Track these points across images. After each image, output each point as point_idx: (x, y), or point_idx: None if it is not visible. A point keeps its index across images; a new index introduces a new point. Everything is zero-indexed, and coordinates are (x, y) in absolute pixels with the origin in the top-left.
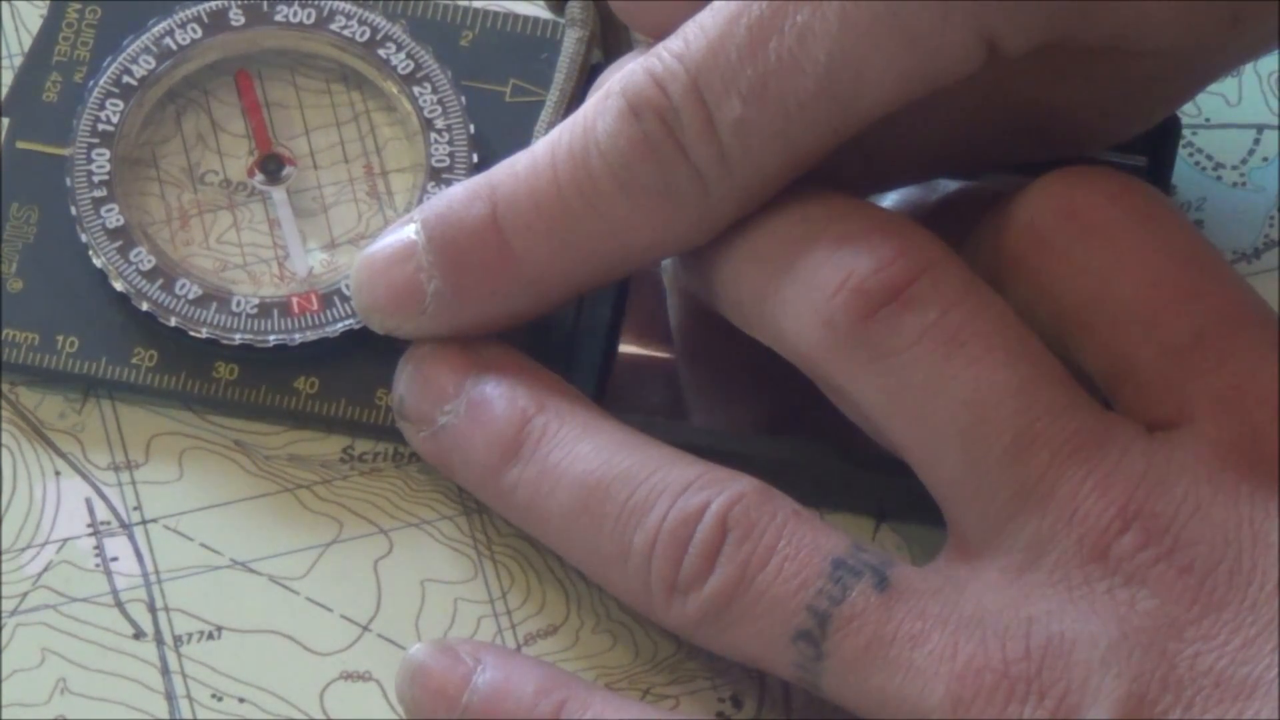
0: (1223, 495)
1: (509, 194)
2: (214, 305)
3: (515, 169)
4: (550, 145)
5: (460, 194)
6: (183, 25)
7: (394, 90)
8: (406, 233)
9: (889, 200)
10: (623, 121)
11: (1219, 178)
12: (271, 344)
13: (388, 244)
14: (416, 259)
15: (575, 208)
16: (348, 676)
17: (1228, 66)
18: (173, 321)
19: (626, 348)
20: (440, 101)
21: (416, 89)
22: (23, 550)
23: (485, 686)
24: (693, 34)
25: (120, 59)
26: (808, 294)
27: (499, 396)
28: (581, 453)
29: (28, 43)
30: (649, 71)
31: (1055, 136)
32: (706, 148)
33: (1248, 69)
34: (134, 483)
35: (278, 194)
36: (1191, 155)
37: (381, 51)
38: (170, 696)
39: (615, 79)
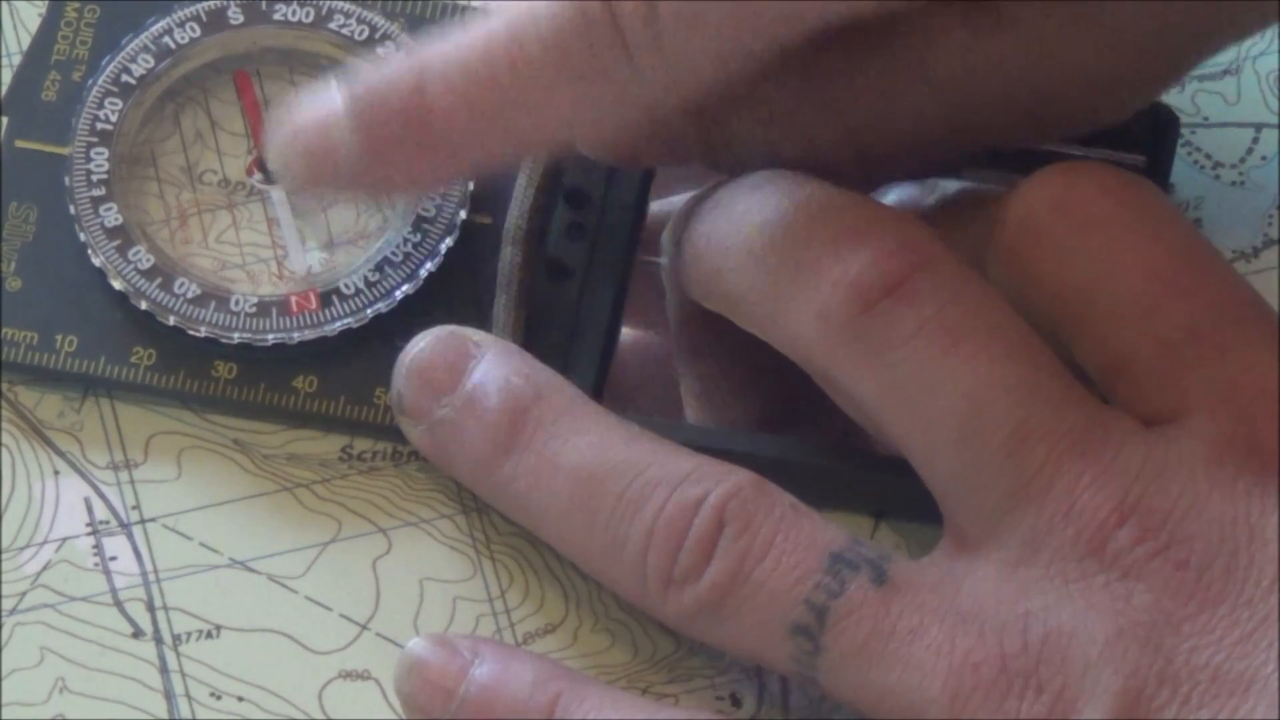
0: (1220, 490)
1: (438, 58)
2: (212, 304)
3: (449, 37)
4: (488, 21)
5: (391, 61)
6: (181, 24)
7: None
8: (329, 91)
9: (889, 200)
10: (564, 1)
11: (1217, 177)
12: (270, 343)
13: (309, 102)
14: (335, 116)
15: (501, 77)
16: (346, 675)
17: (1222, 36)
18: (171, 320)
19: (625, 345)
20: None
21: None
22: (21, 549)
23: (482, 679)
24: None
25: (119, 58)
26: (804, 288)
27: (496, 389)
28: (578, 445)
29: (27, 42)
30: None
31: (1049, 116)
32: (643, 30)
33: (1246, 67)
34: (133, 482)
35: (276, 193)
36: (1190, 154)
37: (380, 50)
38: (169, 695)
39: None
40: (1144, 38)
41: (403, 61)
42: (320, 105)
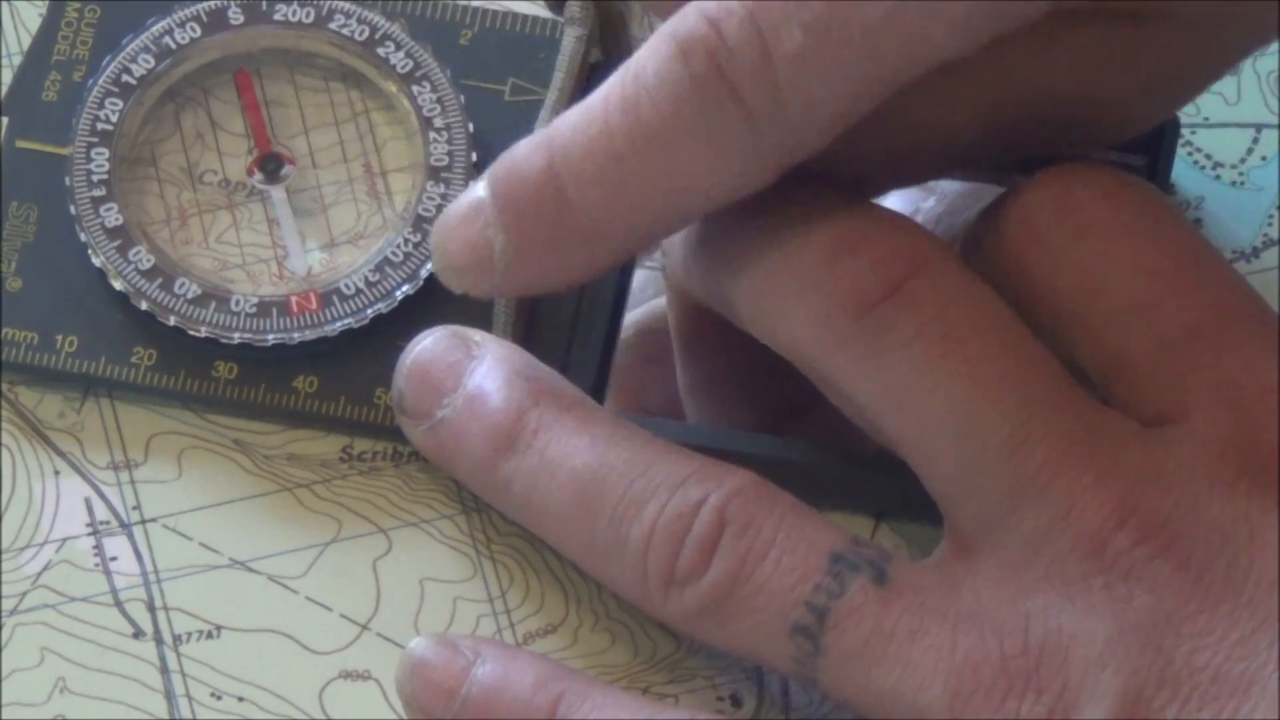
0: (1220, 490)
1: (564, 144)
2: (213, 304)
3: (570, 118)
4: (603, 93)
5: (523, 148)
6: (182, 24)
7: (393, 89)
8: (476, 190)
9: (888, 200)
10: (671, 63)
11: (1218, 177)
12: (270, 343)
13: (460, 203)
14: (484, 215)
15: (625, 154)
16: (347, 675)
17: (1249, 45)
18: (172, 320)
19: (625, 346)
20: (439, 100)
21: (415, 88)
22: (22, 550)
23: (484, 679)
24: None
25: (119, 58)
26: (803, 290)
27: (497, 390)
28: (578, 446)
29: (27, 42)
30: (702, 11)
31: (1078, 125)
32: (759, 85)
33: (1246, 68)
34: (133, 482)
35: (277, 193)
36: (1190, 154)
37: (380, 50)
38: (169, 695)
39: (668, 22)
40: (1176, 61)
41: (534, 151)
42: (468, 204)
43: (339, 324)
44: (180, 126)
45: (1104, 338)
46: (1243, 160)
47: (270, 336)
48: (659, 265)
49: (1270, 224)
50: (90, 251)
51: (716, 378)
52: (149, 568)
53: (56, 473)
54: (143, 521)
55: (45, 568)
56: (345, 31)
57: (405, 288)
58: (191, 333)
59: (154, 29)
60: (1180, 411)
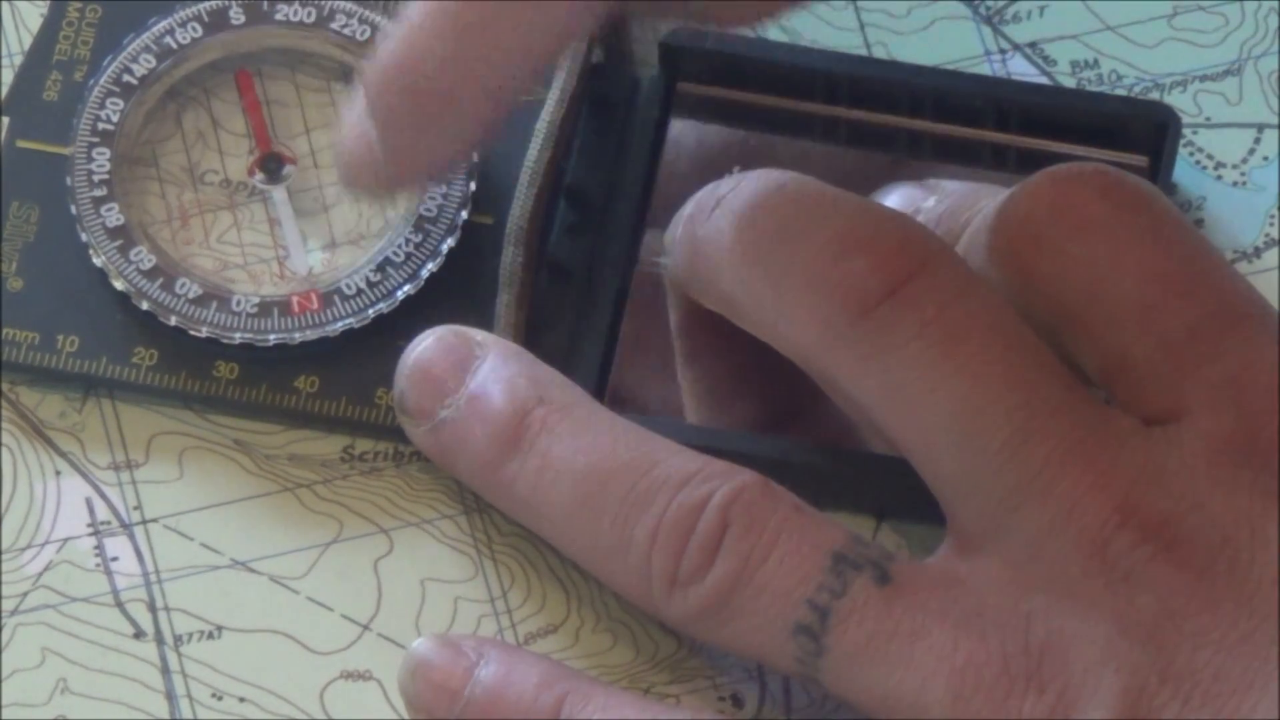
0: (1221, 489)
1: (407, 27)
2: (214, 304)
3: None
4: None
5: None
6: (183, 24)
7: None
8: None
9: (889, 200)
10: None
11: (1219, 177)
12: (272, 343)
13: (345, 116)
14: (362, 121)
15: (461, 10)
16: (348, 676)
17: None
18: (173, 320)
19: (626, 346)
20: None
21: None
22: (23, 550)
23: (487, 680)
24: None
25: (120, 58)
26: (804, 290)
27: (500, 390)
28: (582, 446)
29: (28, 42)
30: None
31: None
32: None
33: (1248, 68)
34: (134, 482)
35: (278, 193)
36: (1192, 154)
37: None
38: (170, 696)
39: None
40: None
41: (387, 40)
42: (356, 114)
43: (340, 324)
44: (181, 126)
45: (1105, 337)
46: (1244, 160)
47: (271, 336)
48: (660, 265)
49: (1272, 224)
50: (91, 251)
51: (717, 378)
52: (150, 568)
53: (57, 473)
54: (144, 522)
55: (46, 568)
56: (347, 31)
57: (406, 288)
58: (193, 333)
59: (155, 29)
60: (1181, 410)
